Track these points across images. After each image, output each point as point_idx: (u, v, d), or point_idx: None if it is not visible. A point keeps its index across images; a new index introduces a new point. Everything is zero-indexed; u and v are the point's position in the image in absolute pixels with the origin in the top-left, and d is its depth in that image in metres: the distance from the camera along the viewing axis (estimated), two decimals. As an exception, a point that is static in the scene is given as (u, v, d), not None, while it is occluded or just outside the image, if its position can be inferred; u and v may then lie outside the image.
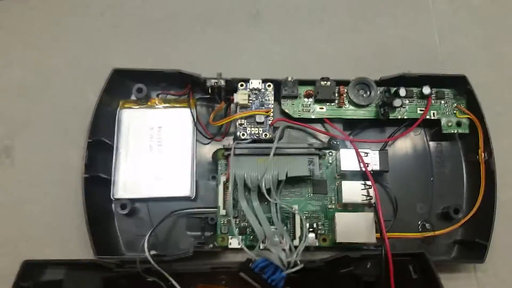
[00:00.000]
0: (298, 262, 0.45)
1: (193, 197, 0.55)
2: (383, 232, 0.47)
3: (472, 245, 0.53)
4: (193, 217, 0.55)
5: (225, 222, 0.54)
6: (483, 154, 0.54)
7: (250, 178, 0.52)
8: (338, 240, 0.51)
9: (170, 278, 0.48)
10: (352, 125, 0.57)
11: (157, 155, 0.55)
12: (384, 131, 0.58)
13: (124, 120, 0.56)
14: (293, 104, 0.56)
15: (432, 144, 0.58)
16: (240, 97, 0.55)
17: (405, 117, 0.56)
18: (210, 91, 0.55)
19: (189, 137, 0.56)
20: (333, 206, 0.54)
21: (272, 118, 0.55)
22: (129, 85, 0.58)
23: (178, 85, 0.58)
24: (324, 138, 0.58)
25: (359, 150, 0.53)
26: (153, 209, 0.55)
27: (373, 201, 0.51)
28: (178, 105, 0.57)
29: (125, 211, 0.53)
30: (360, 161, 0.52)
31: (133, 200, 0.54)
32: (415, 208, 0.56)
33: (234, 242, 0.53)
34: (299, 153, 0.53)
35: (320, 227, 0.54)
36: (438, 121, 0.56)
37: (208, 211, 0.54)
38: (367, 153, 0.53)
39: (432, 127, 0.58)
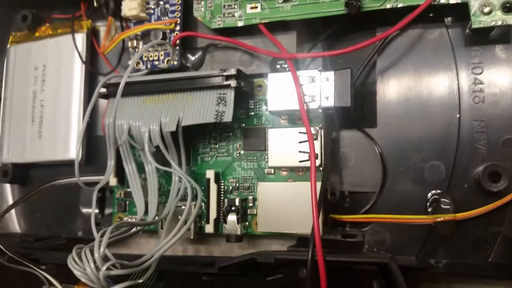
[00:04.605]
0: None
1: (80, 160, 0.38)
2: (314, 214, 0.26)
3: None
4: (88, 189, 0.39)
5: (122, 194, 0.37)
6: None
7: (137, 129, 0.34)
8: (259, 229, 0.30)
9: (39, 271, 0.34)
10: (313, 31, 0.34)
11: (40, 104, 0.40)
12: (359, 37, 0.33)
13: (11, 59, 0.43)
14: (210, 7, 0.35)
15: (461, 51, 0.31)
16: (127, 5, 0.36)
17: (399, 6, 0.30)
18: (96, 2, 0.38)
19: (77, 76, 0.39)
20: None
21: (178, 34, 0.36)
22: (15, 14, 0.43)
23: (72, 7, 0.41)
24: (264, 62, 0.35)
25: (301, 73, 0.30)
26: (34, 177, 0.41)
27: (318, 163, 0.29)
28: (63, 31, 0.41)
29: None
30: (297, 90, 0.30)
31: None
32: (422, 171, 0.31)
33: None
34: (205, 86, 0.33)
35: (250, 204, 0.33)
36: (464, 7, 0.29)
37: (98, 179, 0.38)
38: (313, 77, 0.30)
39: (457, 20, 0.31)
